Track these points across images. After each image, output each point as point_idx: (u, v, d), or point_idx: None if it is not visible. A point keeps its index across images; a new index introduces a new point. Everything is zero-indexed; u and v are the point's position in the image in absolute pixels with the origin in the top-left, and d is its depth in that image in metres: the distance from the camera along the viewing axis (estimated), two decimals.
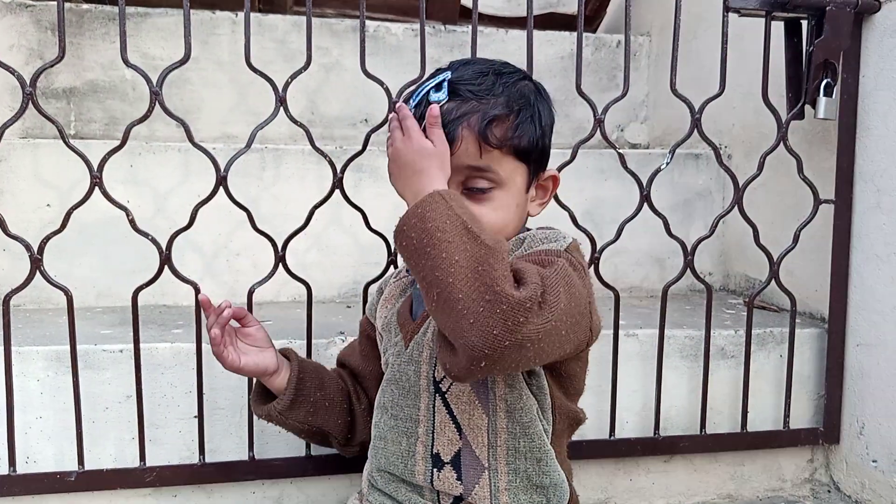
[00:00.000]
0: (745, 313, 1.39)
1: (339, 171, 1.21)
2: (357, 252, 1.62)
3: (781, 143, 1.33)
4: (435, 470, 0.92)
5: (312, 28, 1.18)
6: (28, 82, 1.08)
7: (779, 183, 1.57)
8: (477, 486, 0.90)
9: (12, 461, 1.17)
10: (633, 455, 1.38)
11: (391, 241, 1.17)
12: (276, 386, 1.05)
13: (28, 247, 1.11)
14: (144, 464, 1.21)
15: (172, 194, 1.55)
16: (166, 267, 1.16)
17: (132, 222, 1.14)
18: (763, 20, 1.32)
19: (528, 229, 0.95)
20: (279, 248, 1.21)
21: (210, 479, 1.24)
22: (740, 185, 1.33)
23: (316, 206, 1.22)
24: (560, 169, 1.09)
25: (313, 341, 1.25)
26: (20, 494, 1.18)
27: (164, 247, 1.16)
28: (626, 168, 1.29)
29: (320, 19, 1.94)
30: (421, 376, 0.93)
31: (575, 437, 1.02)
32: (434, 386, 0.92)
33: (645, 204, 1.29)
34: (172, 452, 1.23)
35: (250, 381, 1.18)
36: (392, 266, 1.25)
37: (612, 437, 1.35)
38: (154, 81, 1.12)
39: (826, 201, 1.38)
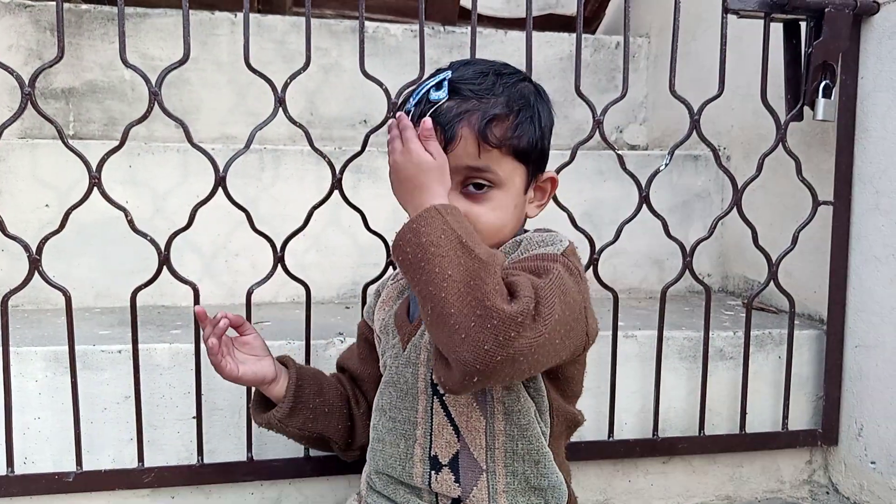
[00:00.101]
0: (744, 314, 1.39)
1: (337, 172, 1.21)
2: (356, 253, 1.62)
3: (780, 145, 1.33)
4: (433, 472, 0.92)
5: (311, 29, 1.18)
6: (27, 82, 1.08)
7: (777, 184, 1.57)
8: (475, 488, 0.90)
9: (10, 462, 1.17)
10: (632, 456, 1.38)
11: (390, 241, 1.16)
12: (275, 394, 1.05)
13: (27, 247, 1.11)
14: (143, 464, 1.20)
15: (171, 195, 1.55)
16: (165, 267, 1.16)
17: (131, 223, 1.14)
18: (762, 21, 1.32)
19: (526, 230, 0.95)
20: (278, 249, 1.21)
21: (208, 480, 1.24)
22: (739, 187, 1.33)
23: (315, 207, 1.22)
24: (559, 170, 1.10)
25: (312, 342, 1.25)
26: (18, 495, 1.18)
27: (162, 247, 1.16)
28: (624, 169, 1.29)
29: (319, 20, 1.94)
30: (419, 378, 0.93)
31: (573, 439, 1.02)
32: (432, 388, 0.91)
33: (644, 205, 1.29)
34: (171, 453, 1.23)
35: None
36: (391, 267, 1.25)
37: (611, 439, 1.35)
38: (153, 82, 1.12)
39: (825, 203, 1.38)
